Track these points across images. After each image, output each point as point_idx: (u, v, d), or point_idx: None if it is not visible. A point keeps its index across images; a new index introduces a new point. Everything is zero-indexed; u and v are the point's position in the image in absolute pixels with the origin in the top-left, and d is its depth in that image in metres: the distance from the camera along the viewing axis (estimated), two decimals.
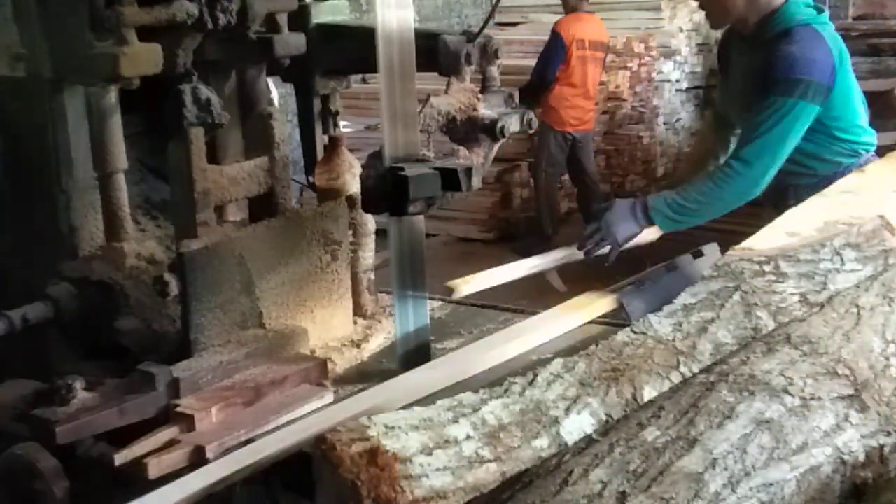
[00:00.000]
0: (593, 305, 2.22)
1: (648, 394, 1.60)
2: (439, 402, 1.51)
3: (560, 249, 2.46)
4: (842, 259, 1.91)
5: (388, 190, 1.84)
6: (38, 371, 1.94)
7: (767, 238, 2.03)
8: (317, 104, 2.40)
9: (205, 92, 1.89)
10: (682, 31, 8.65)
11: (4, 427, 1.81)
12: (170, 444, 1.70)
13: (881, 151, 2.74)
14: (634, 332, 1.76)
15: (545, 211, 7.15)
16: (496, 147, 2.11)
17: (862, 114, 2.74)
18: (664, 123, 8.59)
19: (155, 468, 1.63)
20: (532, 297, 2.65)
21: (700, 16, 8.55)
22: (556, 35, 6.78)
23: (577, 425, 1.51)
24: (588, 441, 1.36)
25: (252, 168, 2.07)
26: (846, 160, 2.65)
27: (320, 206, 2.16)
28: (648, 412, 1.40)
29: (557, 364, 1.62)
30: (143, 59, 1.85)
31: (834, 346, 1.57)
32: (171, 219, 2.11)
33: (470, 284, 2.23)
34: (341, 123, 2.49)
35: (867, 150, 2.72)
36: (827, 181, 2.50)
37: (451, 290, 2.21)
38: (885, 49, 8.30)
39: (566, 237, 7.37)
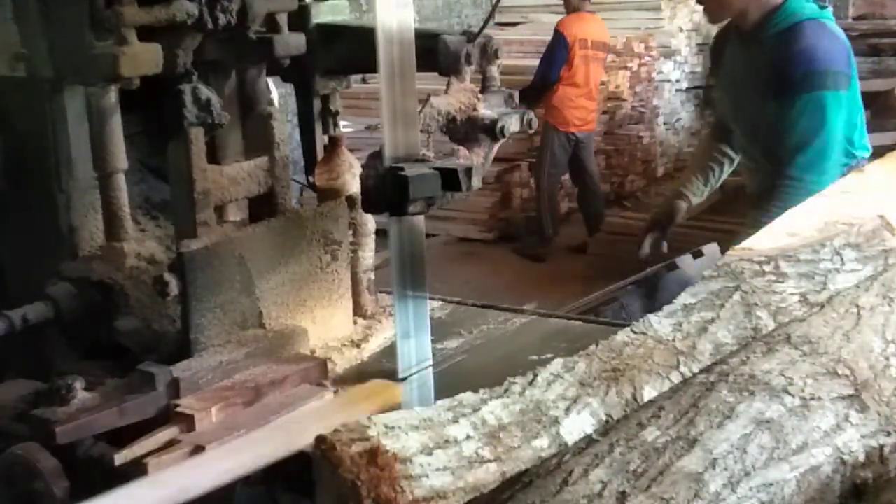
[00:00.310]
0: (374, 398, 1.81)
1: (648, 394, 1.60)
2: (439, 403, 1.51)
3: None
4: (842, 259, 1.91)
5: (388, 190, 1.83)
6: (38, 371, 1.94)
7: (767, 238, 2.03)
8: (317, 104, 2.40)
9: (205, 92, 1.89)
10: (682, 31, 8.67)
11: (4, 427, 1.81)
12: (170, 444, 1.70)
13: (881, 151, 2.74)
14: (634, 332, 1.75)
15: (546, 212, 7.15)
16: (496, 147, 2.11)
17: (861, 118, 2.74)
18: (664, 123, 8.61)
19: (155, 468, 1.63)
20: (533, 296, 2.66)
21: (700, 16, 8.60)
22: (559, 35, 6.78)
23: (577, 425, 1.51)
24: (588, 441, 1.36)
25: (252, 168, 2.07)
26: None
27: (320, 206, 2.16)
28: (648, 412, 1.40)
29: (557, 364, 1.62)
30: (143, 59, 1.85)
31: (834, 346, 1.57)
32: (171, 219, 2.11)
33: None
34: (341, 123, 2.49)
35: (862, 155, 2.71)
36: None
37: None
38: (885, 49, 8.32)
39: (566, 237, 7.39)
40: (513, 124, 2.09)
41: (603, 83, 7.42)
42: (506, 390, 1.55)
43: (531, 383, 1.57)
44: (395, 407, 1.74)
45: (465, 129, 2.06)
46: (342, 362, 2.08)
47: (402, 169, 1.81)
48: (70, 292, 1.94)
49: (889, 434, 1.46)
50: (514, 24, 9.23)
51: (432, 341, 2.10)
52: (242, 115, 2.17)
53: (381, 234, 2.15)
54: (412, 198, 1.81)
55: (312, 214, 2.11)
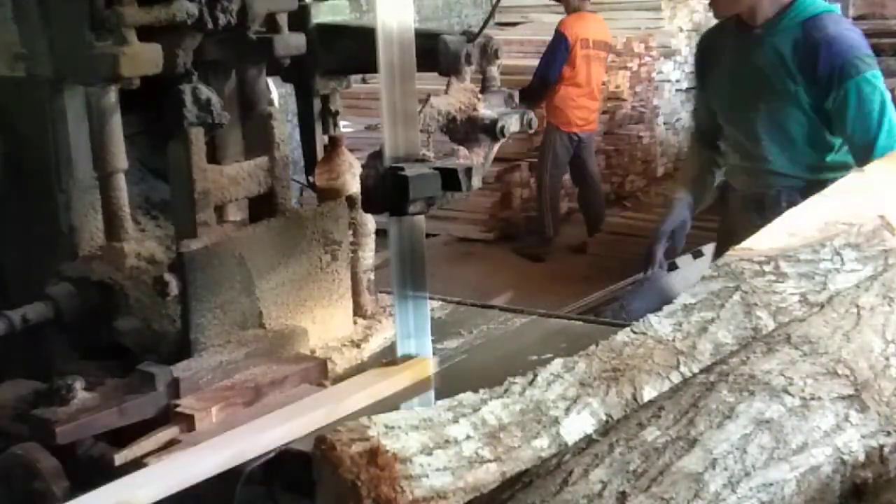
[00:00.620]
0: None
1: (648, 394, 1.60)
2: (439, 403, 1.51)
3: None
4: (842, 259, 1.91)
5: (388, 190, 1.83)
6: (38, 371, 1.94)
7: (767, 238, 2.03)
8: (317, 104, 2.40)
9: (205, 92, 1.89)
10: (682, 31, 8.66)
11: (4, 427, 1.81)
12: (170, 444, 1.69)
13: None
14: (634, 332, 1.75)
15: (548, 211, 7.16)
16: (496, 147, 2.11)
17: None
18: (664, 123, 8.61)
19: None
20: (533, 296, 2.66)
21: (700, 16, 8.61)
22: (560, 35, 6.78)
23: (577, 425, 1.51)
24: (588, 441, 1.36)
25: (252, 168, 2.07)
26: (833, 174, 2.58)
27: (320, 206, 2.16)
28: (648, 412, 1.40)
29: (557, 364, 1.62)
30: (143, 59, 1.85)
31: (834, 346, 1.57)
32: (171, 219, 2.11)
33: None
34: (341, 123, 2.49)
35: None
36: (809, 190, 2.43)
37: None
38: (885, 49, 8.32)
39: (566, 237, 7.39)
40: (513, 124, 2.09)
41: (603, 83, 7.42)
42: (506, 390, 1.55)
43: (531, 383, 1.57)
44: (426, 380, 1.89)
45: (465, 129, 2.06)
46: (342, 362, 2.08)
47: (402, 169, 1.81)
48: (70, 292, 1.94)
49: (889, 434, 1.46)
50: (514, 24, 9.23)
51: (432, 341, 2.11)
52: (242, 115, 2.17)
53: (381, 234, 2.15)
54: (412, 198, 1.81)
55: (312, 214, 2.11)
